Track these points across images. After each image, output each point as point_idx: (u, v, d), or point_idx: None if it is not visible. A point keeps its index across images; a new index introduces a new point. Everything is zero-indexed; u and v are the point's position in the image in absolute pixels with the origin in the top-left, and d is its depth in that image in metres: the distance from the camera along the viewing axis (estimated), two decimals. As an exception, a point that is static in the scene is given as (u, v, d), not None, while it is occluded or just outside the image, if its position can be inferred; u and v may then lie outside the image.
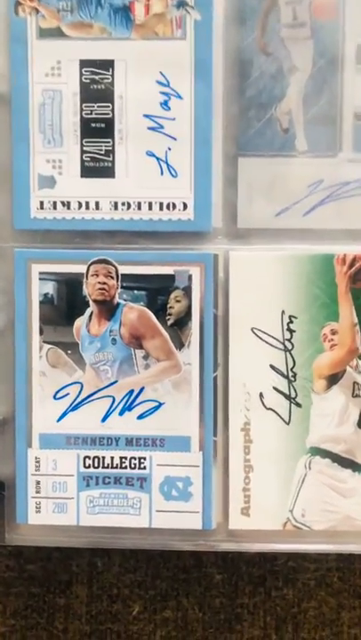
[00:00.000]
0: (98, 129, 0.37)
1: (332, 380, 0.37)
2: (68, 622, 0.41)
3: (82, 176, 0.37)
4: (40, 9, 0.36)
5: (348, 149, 0.37)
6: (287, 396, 0.37)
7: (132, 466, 0.37)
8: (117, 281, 0.37)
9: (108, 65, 0.36)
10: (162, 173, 0.37)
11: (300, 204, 0.37)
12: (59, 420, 0.37)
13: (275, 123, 0.37)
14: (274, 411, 0.37)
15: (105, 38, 0.36)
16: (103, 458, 0.37)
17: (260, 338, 0.37)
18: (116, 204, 0.37)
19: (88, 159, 0.37)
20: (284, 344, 0.37)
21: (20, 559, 0.41)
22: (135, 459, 0.37)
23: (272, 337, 0.37)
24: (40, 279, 0.37)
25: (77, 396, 0.37)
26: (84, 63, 0.36)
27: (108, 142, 0.37)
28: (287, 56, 0.37)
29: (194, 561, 0.40)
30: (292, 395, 0.37)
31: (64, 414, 0.37)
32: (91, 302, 0.37)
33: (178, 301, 0.37)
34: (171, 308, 0.37)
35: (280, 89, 0.37)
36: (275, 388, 0.37)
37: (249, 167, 0.37)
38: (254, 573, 0.41)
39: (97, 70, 0.36)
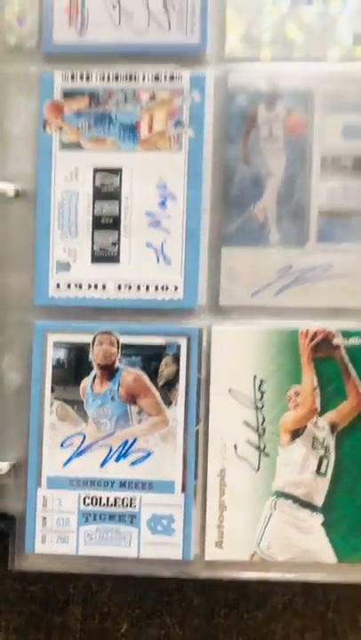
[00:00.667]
0: (106, 224, 0.43)
1: (295, 434, 0.42)
2: (63, 638, 0.45)
3: (92, 262, 0.43)
4: (64, 126, 0.43)
5: (314, 240, 0.43)
6: (257, 448, 0.42)
7: (125, 505, 0.43)
8: (118, 349, 0.43)
9: (116, 171, 0.43)
10: (158, 261, 0.43)
11: (272, 286, 0.43)
12: (64, 465, 0.43)
13: (253, 219, 0.43)
14: (246, 459, 0.42)
15: (115, 150, 0.43)
16: (100, 498, 0.43)
17: (236, 398, 0.43)
18: (119, 285, 0.43)
19: (98, 249, 0.43)
20: (255, 404, 0.43)
21: (23, 581, 0.45)
22: (127, 499, 0.42)
23: (246, 397, 0.43)
24: (54, 347, 0.43)
25: (80, 445, 0.43)
26: (97, 170, 0.43)
27: (115, 235, 0.43)
28: (264, 165, 0.43)
29: (176, 586, 0.45)
30: (262, 446, 0.42)
31: (69, 460, 0.43)
32: (95, 366, 0.43)
33: (168, 367, 0.43)
34: (161, 372, 0.43)
35: (258, 191, 0.43)
36: (247, 441, 0.42)
37: (230, 255, 0.43)
38: (228, 597, 0.45)
39: (108, 176, 0.43)
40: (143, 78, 0.42)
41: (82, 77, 0.42)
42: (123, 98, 0.42)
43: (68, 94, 0.42)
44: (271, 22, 0.42)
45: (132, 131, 0.42)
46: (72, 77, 0.42)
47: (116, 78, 0.42)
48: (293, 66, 0.42)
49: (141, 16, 0.42)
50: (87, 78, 0.42)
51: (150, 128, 0.42)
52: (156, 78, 0.42)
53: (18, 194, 0.42)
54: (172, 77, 0.42)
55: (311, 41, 0.42)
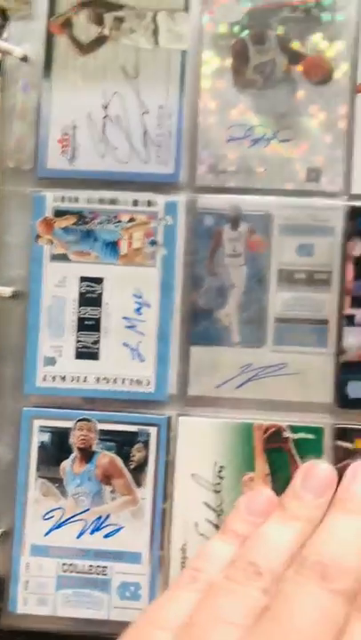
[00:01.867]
0: (89, 325, 0.49)
1: (250, 516, 0.48)
2: None
3: (75, 358, 0.49)
4: (54, 240, 0.50)
5: (270, 343, 0.48)
6: (216, 526, 0.47)
7: (98, 573, 0.48)
8: (95, 434, 0.49)
9: (99, 281, 0.50)
10: (133, 359, 0.49)
11: (234, 380, 0.48)
12: (45, 535, 0.48)
13: (217, 322, 0.49)
14: (205, 536, 0.47)
15: (98, 262, 0.50)
16: (77, 565, 0.49)
17: (198, 482, 0.48)
18: (98, 378, 0.50)
19: (80, 346, 0.49)
20: (215, 487, 0.48)
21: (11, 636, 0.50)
22: (100, 567, 0.48)
23: (206, 481, 0.48)
24: (39, 431, 0.50)
25: (60, 518, 0.49)
26: (82, 279, 0.50)
27: (96, 335, 0.49)
28: (228, 277, 0.49)
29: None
30: (220, 525, 0.48)
31: (50, 531, 0.48)
32: (75, 449, 0.49)
33: (139, 452, 0.48)
34: (133, 456, 0.48)
35: (222, 299, 0.49)
36: (207, 520, 0.47)
37: (198, 353, 0.49)
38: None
39: (91, 284, 0.50)
40: (124, 202, 0.49)
41: (71, 199, 0.49)
42: (106, 219, 0.49)
43: (59, 213, 0.49)
44: (236, 156, 0.49)
45: (113, 247, 0.49)
46: (62, 199, 0.49)
47: (101, 201, 0.49)
48: (255, 194, 0.49)
49: (124, 149, 0.49)
50: (75, 200, 0.49)
51: (129, 245, 0.48)
52: (135, 203, 0.49)
53: (15, 295, 0.49)
54: (149, 203, 0.49)
55: (271, 173, 0.49)
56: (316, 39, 0.49)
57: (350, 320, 0.48)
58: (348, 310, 0.48)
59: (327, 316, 0.48)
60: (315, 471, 0.42)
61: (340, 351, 0.48)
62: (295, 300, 0.48)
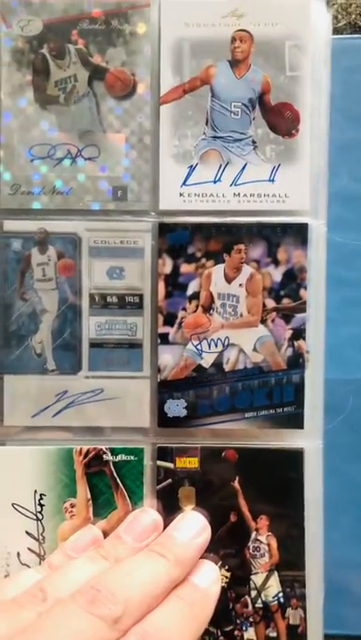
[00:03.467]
0: None
1: (74, 541, 0.47)
2: None
3: None
4: None
5: (85, 369, 0.48)
6: (38, 555, 0.47)
7: None
8: None
9: None
10: None
11: (50, 409, 0.48)
12: None
13: (31, 349, 0.48)
14: (27, 565, 0.47)
15: None
16: None
17: (19, 510, 0.48)
18: None
19: None
20: (36, 515, 0.48)
21: None
22: None
23: (27, 510, 0.48)
24: None
25: None
26: None
27: None
28: (39, 302, 0.48)
29: None
30: (42, 553, 0.47)
31: None
32: None
33: None
34: None
35: (34, 325, 0.48)
36: (29, 549, 0.47)
37: (12, 382, 0.48)
38: None
39: None
40: None
41: None
42: None
43: None
44: (40, 176, 0.47)
45: None
46: None
47: None
48: (62, 214, 0.47)
49: None
50: None
51: None
52: None
53: None
54: None
55: (77, 193, 0.47)
56: (118, 52, 0.47)
57: (164, 338, 0.47)
58: (162, 329, 0.47)
59: (142, 339, 0.47)
60: (140, 517, 0.45)
61: (157, 370, 0.47)
62: (108, 323, 0.47)
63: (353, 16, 0.50)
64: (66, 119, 0.47)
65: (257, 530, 0.47)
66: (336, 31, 0.50)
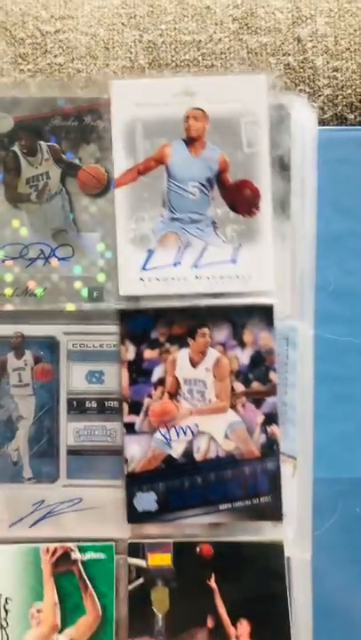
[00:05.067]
0: None
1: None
2: None
3: None
4: None
5: (64, 477, 0.46)
6: None
7: None
8: None
9: None
10: None
11: (27, 519, 0.46)
12: None
13: (7, 457, 0.46)
14: None
15: None
16: None
17: None
18: None
19: None
20: (1, 623, 0.45)
21: None
22: None
23: None
24: None
25: None
26: None
27: None
28: (15, 408, 0.46)
29: None
30: None
31: None
32: None
33: None
34: None
35: (10, 432, 0.46)
36: None
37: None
38: None
39: None
40: None
41: None
42: None
43: None
44: (13, 278, 0.45)
45: None
46: None
47: None
48: (37, 317, 0.46)
49: None
50: None
51: None
52: None
53: None
54: None
55: (52, 294, 0.45)
56: (91, 148, 0.45)
57: (130, 428, 0.45)
58: (127, 418, 0.45)
59: (122, 445, 0.45)
60: None
61: (125, 460, 0.45)
62: (87, 429, 0.46)
63: (339, 107, 0.48)
64: (38, 218, 0.45)
65: (237, 638, 0.44)
66: (323, 122, 0.48)
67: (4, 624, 0.45)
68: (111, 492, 0.46)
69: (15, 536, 0.46)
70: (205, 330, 0.45)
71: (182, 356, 0.45)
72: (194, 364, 0.45)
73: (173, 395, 0.45)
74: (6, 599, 0.45)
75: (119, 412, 0.46)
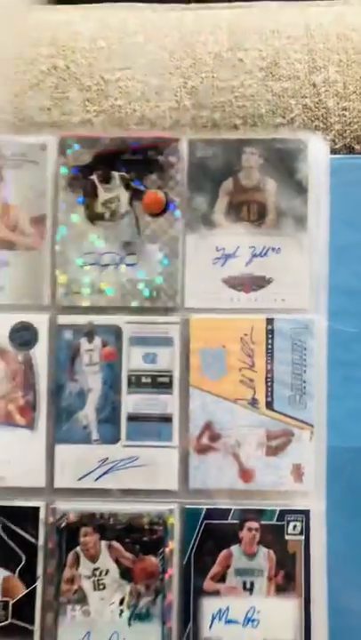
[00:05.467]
0: None
1: None
2: None
3: None
4: None
5: (124, 439, 0.56)
6: None
7: None
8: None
9: None
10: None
11: (94, 473, 0.56)
12: None
13: (78, 423, 0.57)
14: None
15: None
16: None
17: None
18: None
19: None
20: None
21: None
22: None
23: None
24: None
25: None
26: None
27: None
28: (86, 382, 0.57)
29: None
30: None
31: None
32: None
33: None
34: None
35: (82, 402, 0.57)
36: None
37: (63, 450, 0.56)
38: None
39: None
40: None
41: None
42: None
43: None
44: (89, 279, 0.58)
45: None
46: None
47: None
48: (106, 311, 0.58)
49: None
50: None
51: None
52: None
53: None
54: (14, 325, 0.57)
55: (119, 293, 0.58)
56: (154, 178, 0.58)
57: None
58: None
59: (171, 413, 0.57)
60: None
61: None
62: (143, 400, 0.57)
63: (348, 139, 0.60)
64: (111, 232, 0.58)
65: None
66: (334, 152, 0.60)
67: None
68: (160, 451, 0.57)
69: (84, 487, 0.57)
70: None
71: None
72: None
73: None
74: None
75: (169, 386, 0.57)
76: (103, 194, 0.57)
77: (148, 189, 0.57)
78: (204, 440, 0.56)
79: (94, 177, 0.57)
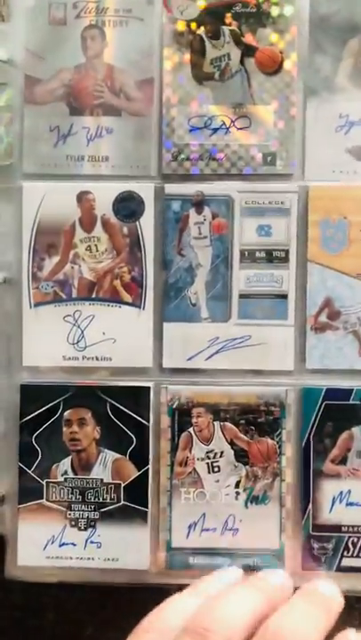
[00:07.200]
0: (68, 308, 0.56)
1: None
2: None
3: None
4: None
5: (235, 317, 0.53)
6: None
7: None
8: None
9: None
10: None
11: (203, 353, 0.53)
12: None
13: (187, 300, 0.54)
14: None
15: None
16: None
17: None
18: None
19: (61, 328, 0.56)
20: None
21: (7, 592, 0.57)
22: None
23: None
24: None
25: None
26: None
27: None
28: (195, 257, 0.54)
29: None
30: None
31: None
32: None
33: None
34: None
35: (190, 278, 0.54)
36: None
37: (170, 329, 0.53)
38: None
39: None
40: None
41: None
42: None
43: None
44: (198, 145, 0.53)
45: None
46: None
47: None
48: (216, 179, 0.54)
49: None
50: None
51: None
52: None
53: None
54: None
55: (230, 159, 0.53)
56: (267, 32, 0.53)
57: None
58: None
59: (287, 290, 0.53)
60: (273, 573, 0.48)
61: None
62: (257, 276, 0.53)
63: None
64: (220, 93, 0.53)
65: None
66: None
67: None
68: (275, 330, 0.53)
69: (192, 367, 0.54)
70: None
71: None
72: None
73: None
74: None
75: (285, 260, 0.53)
76: (212, 51, 0.52)
77: (262, 45, 0.52)
78: (323, 318, 0.53)
79: (202, 32, 0.52)
